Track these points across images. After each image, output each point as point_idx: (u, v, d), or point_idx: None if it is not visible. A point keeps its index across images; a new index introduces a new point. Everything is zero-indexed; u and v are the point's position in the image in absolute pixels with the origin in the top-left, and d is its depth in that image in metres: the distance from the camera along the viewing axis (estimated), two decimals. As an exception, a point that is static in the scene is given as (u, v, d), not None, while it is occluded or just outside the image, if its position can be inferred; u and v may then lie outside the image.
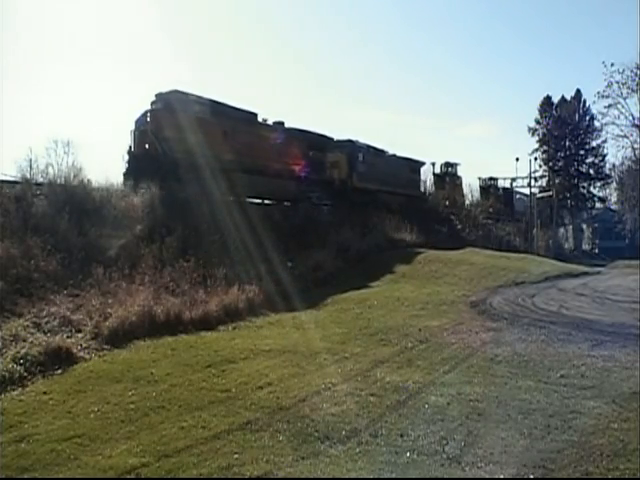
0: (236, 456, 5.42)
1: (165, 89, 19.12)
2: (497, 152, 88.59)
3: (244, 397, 7.15)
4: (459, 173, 41.86)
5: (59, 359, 8.40)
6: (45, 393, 7.22)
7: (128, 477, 5.11)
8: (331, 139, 27.05)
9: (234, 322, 11.80)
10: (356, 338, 10.65)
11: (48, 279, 11.19)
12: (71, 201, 14.01)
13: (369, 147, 29.54)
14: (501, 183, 46.86)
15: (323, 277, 17.52)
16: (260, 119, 22.72)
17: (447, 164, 41.12)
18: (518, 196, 48.34)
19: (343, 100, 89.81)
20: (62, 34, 62.15)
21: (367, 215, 25.11)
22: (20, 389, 7.36)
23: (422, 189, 36.00)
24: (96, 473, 5.17)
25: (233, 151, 19.85)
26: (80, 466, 5.28)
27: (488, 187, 45.00)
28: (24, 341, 8.58)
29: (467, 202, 40.80)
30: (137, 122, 18.76)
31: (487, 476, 5.04)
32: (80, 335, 9.56)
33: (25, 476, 5.14)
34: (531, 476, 5.03)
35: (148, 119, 18.58)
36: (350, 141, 28.27)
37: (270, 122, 23.49)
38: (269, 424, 6.22)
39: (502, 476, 5.03)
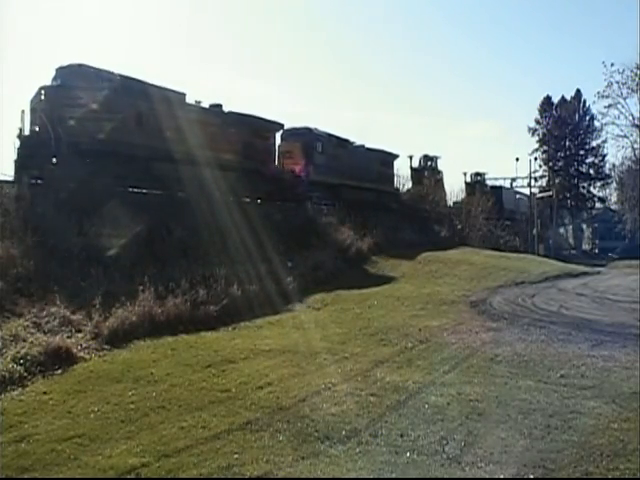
0: (236, 456, 5.42)
1: (67, 62, 16.00)
2: (497, 152, 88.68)
3: (244, 397, 7.15)
4: (440, 167, 38.77)
5: (59, 359, 8.39)
6: (45, 393, 7.22)
7: (128, 477, 5.11)
8: (281, 125, 23.60)
9: (234, 322, 11.79)
10: (356, 338, 10.65)
11: (48, 279, 11.17)
12: (71, 201, 13.97)
13: (330, 136, 26.35)
14: (500, 182, 46.20)
15: (323, 277, 17.50)
16: (193, 101, 19.63)
17: (426, 157, 38.11)
18: (519, 196, 48.11)
19: (342, 100, 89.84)
20: (62, 32, 62.18)
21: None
22: (20, 389, 7.35)
23: (396, 184, 33.13)
24: (96, 473, 5.17)
25: (151, 136, 16.91)
26: (80, 466, 5.28)
27: (474, 183, 42.01)
28: (24, 341, 8.57)
29: (452, 199, 37.66)
30: (32, 101, 15.73)
31: (487, 476, 5.04)
32: (80, 335, 9.54)
33: (25, 476, 5.14)
34: (531, 476, 5.03)
35: (42, 97, 15.51)
36: (307, 129, 25.10)
37: (206, 105, 20.41)
38: (269, 424, 6.22)
39: (502, 476, 5.03)
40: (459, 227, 31.52)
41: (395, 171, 33.13)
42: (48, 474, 5.17)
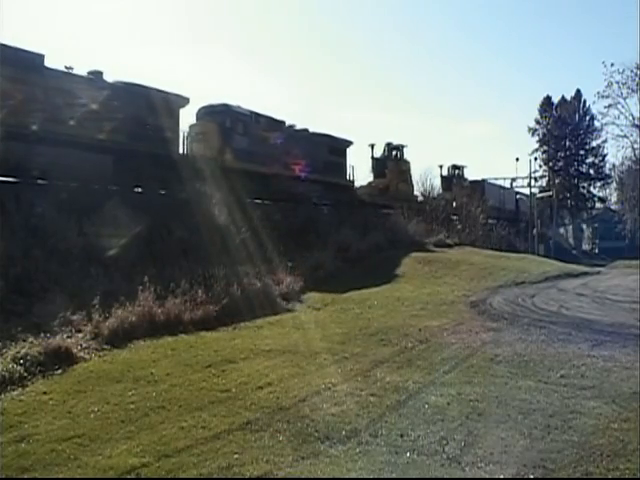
0: (236, 456, 5.42)
1: None
2: (497, 152, 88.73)
3: (244, 397, 7.15)
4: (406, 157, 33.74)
5: (59, 359, 8.39)
6: (45, 393, 7.21)
7: (128, 477, 5.11)
8: (185, 99, 19.61)
9: (234, 322, 11.79)
10: (356, 338, 10.64)
11: (48, 279, 11.17)
12: (71, 201, 13.96)
13: (259, 116, 22.55)
14: (500, 182, 45.52)
15: (323, 277, 17.50)
16: (63, 67, 15.97)
17: (390, 146, 33.48)
18: (519, 196, 47.94)
19: (341, 100, 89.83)
20: (60, 29, 62.21)
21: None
22: (20, 389, 7.35)
23: (350, 176, 28.78)
24: (96, 473, 5.16)
25: None
26: (80, 466, 5.28)
27: (451, 177, 38.43)
28: (24, 341, 8.57)
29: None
30: None
31: (487, 476, 5.04)
32: (80, 335, 9.54)
33: (25, 476, 5.14)
34: (531, 476, 5.03)
35: None
36: (224, 105, 21.41)
37: (82, 73, 16.65)
38: (269, 424, 6.21)
39: (502, 476, 5.03)
40: (459, 227, 30.97)
41: (349, 160, 28.77)
42: (48, 474, 5.16)
